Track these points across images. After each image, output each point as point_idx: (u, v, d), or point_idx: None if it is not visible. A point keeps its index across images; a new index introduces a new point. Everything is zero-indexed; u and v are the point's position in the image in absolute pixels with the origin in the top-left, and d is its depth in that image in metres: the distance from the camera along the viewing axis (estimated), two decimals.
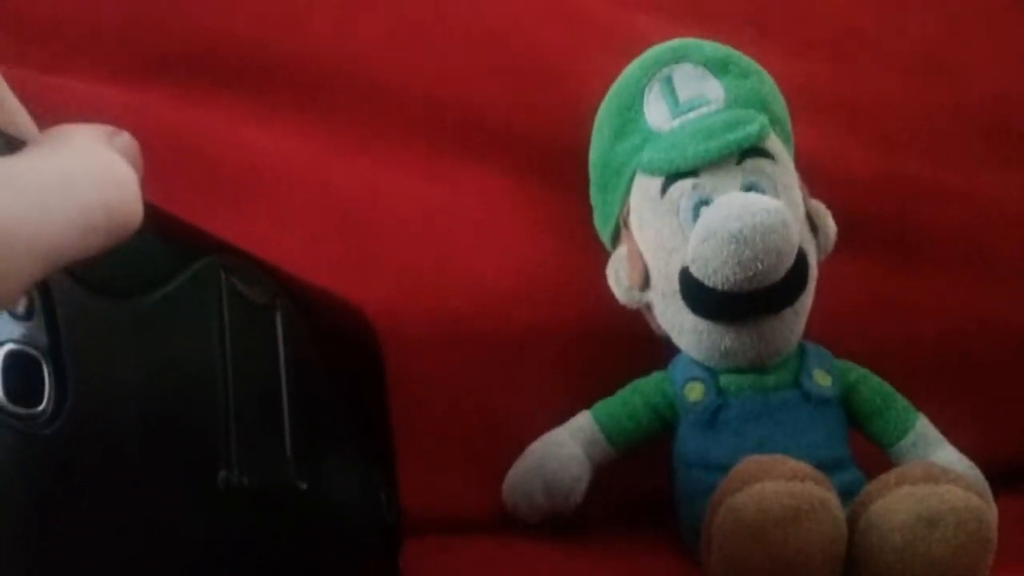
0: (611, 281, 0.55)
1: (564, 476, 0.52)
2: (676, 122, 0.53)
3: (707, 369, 0.52)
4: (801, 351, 0.52)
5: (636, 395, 0.54)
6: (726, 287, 0.48)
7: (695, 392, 0.52)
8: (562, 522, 0.53)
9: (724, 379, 0.51)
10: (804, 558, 0.37)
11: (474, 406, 0.56)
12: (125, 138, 0.21)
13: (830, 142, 0.62)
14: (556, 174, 0.59)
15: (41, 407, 0.24)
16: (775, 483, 0.39)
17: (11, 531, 0.23)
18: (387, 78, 0.59)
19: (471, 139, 0.60)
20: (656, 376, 0.54)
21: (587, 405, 0.54)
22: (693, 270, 0.49)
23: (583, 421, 0.54)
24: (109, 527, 0.26)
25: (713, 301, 0.49)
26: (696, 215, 0.50)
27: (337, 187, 0.57)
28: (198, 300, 0.32)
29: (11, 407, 0.23)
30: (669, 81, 0.54)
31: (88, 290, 0.27)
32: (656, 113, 0.54)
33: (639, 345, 0.56)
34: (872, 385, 0.53)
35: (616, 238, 0.56)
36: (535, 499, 0.52)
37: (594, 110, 0.57)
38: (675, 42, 0.55)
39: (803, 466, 0.40)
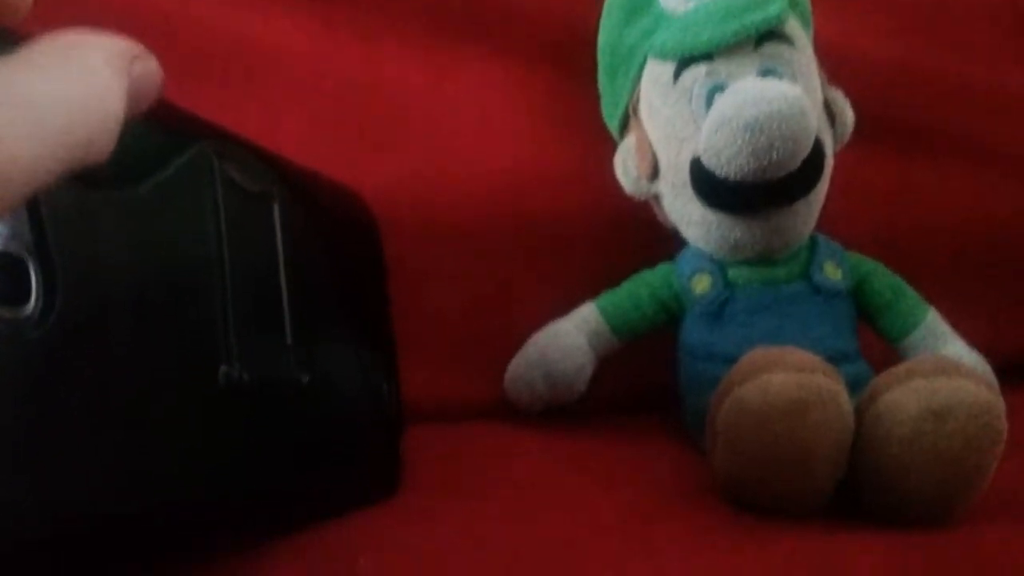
0: (619, 172, 0.54)
1: (567, 366, 0.52)
2: (691, 3, 0.51)
3: (715, 261, 0.51)
4: (812, 243, 0.51)
5: (642, 287, 0.53)
6: (739, 177, 0.46)
7: (702, 284, 0.51)
8: (565, 412, 0.53)
9: (732, 271, 0.50)
10: (811, 449, 0.37)
11: (477, 297, 0.55)
12: (148, 65, 0.20)
13: (851, 28, 0.60)
14: (562, 59, 0.58)
15: (29, 308, 0.23)
16: (783, 374, 0.38)
17: (3, 441, 0.22)
18: None
19: (474, 21, 0.58)
20: (662, 268, 0.53)
21: (592, 297, 0.54)
22: (705, 160, 0.47)
23: (587, 312, 0.54)
24: (106, 432, 0.25)
25: (725, 192, 0.47)
26: (710, 102, 0.48)
27: (334, 72, 0.55)
28: (192, 189, 0.30)
29: None
30: None
31: (74, 182, 0.25)
32: None
33: (646, 237, 0.55)
34: (883, 278, 0.52)
35: (624, 127, 0.54)
36: (537, 389, 0.52)
37: None
38: None
39: (811, 357, 0.39)
